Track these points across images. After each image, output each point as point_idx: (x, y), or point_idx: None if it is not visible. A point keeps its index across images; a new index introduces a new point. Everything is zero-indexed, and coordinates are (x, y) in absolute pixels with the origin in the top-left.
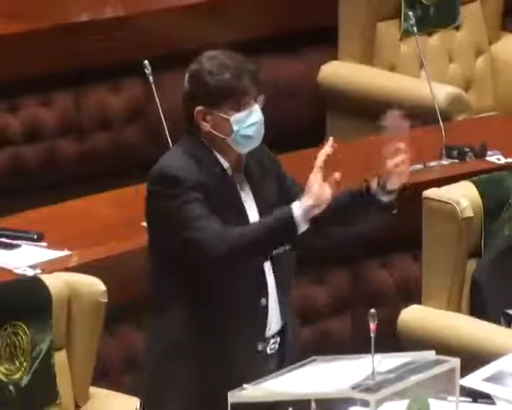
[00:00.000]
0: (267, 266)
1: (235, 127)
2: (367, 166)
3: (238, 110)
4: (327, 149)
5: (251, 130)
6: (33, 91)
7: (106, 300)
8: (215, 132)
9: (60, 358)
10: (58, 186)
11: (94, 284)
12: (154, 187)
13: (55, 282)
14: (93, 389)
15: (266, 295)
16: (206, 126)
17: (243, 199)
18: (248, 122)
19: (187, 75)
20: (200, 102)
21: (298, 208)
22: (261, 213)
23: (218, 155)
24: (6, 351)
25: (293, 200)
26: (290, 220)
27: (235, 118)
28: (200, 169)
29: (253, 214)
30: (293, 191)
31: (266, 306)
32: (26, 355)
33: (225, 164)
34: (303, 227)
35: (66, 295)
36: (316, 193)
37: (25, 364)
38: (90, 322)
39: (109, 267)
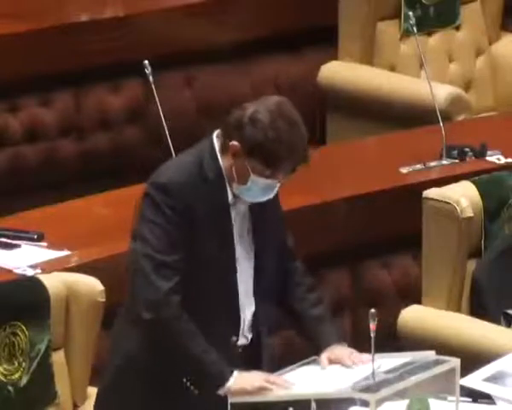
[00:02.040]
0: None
1: (249, 184)
2: (367, 167)
3: (262, 175)
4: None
5: (258, 197)
6: (33, 91)
7: (103, 299)
8: (233, 170)
9: (58, 358)
10: (58, 186)
11: (92, 284)
12: (148, 191)
13: (53, 282)
14: (91, 389)
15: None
16: (231, 160)
17: (237, 231)
18: (261, 191)
19: (250, 109)
20: (241, 142)
21: (235, 384)
22: (258, 247)
23: (228, 185)
24: (5, 351)
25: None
26: (221, 382)
27: (254, 179)
28: (199, 189)
29: (246, 247)
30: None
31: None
32: (25, 355)
33: (230, 196)
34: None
35: (64, 295)
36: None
37: (23, 364)
38: (88, 321)
39: (109, 267)
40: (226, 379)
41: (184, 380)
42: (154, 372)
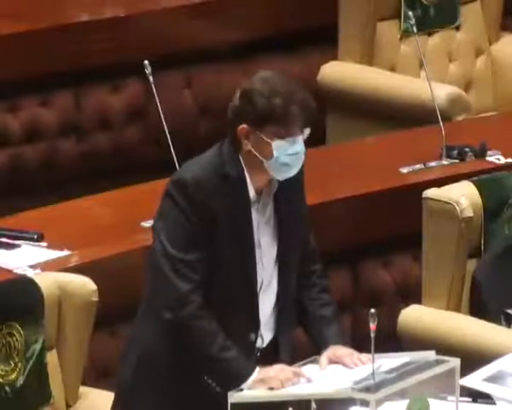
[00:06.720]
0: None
1: (275, 153)
2: (367, 167)
3: (282, 137)
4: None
5: (290, 159)
6: (33, 91)
7: (96, 299)
8: (255, 153)
9: (50, 357)
10: (58, 186)
11: (84, 284)
12: (169, 188)
13: (46, 282)
14: (83, 389)
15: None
16: (248, 145)
17: (260, 228)
18: (289, 151)
19: (238, 92)
20: (246, 121)
21: (253, 382)
22: (283, 244)
23: (249, 179)
24: (1, 352)
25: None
26: (238, 382)
27: (277, 144)
28: (220, 187)
29: (267, 240)
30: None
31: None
32: (21, 356)
33: (251, 192)
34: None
35: (56, 295)
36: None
37: (19, 364)
38: (81, 321)
39: (109, 267)
40: (247, 375)
41: (205, 378)
42: (171, 366)
